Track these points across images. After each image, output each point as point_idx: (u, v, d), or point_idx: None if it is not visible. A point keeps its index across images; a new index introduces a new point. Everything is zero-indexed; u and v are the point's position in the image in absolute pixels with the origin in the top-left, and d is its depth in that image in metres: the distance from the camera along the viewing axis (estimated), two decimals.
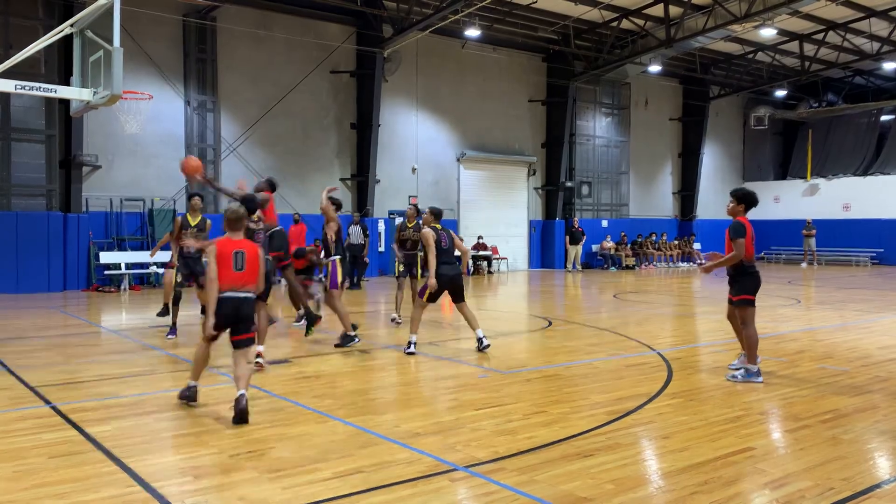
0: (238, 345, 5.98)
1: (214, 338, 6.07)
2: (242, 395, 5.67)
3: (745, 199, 7.38)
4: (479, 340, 8.93)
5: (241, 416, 5.63)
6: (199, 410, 6.04)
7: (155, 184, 18.81)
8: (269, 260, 8.16)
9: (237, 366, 5.91)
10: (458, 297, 9.10)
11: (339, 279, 9.27)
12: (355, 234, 18.40)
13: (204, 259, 8.01)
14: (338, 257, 9.32)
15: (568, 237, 26.12)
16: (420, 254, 11.96)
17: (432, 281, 8.79)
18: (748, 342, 7.30)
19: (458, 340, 10.00)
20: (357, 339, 9.29)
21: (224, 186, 9.24)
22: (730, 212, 7.45)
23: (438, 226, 9.17)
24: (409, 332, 8.99)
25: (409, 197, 23.39)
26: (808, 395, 6.68)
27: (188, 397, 6.15)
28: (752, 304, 7.33)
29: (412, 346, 8.82)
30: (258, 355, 7.79)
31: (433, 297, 8.94)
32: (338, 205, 9.56)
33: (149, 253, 16.27)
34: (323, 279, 10.28)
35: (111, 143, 18.15)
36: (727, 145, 33.00)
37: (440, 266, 8.92)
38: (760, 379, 7.17)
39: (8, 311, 13.43)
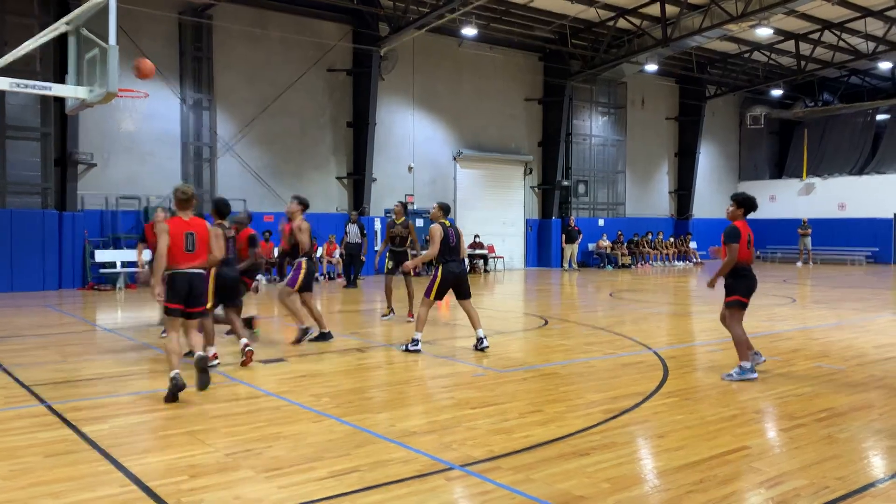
0: (191, 316, 6.59)
1: (170, 312, 6.47)
2: (200, 355, 6.42)
3: (745, 204, 7.52)
4: (479, 340, 8.90)
5: (201, 367, 6.36)
6: (194, 409, 6.03)
7: (151, 182, 18.76)
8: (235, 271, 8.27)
9: (189, 336, 6.62)
10: (463, 295, 9.10)
11: (300, 280, 9.14)
12: (353, 232, 18.47)
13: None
14: (304, 259, 9.20)
15: (564, 236, 26.09)
16: (410, 251, 11.94)
17: (408, 264, 9.17)
18: (735, 342, 7.40)
19: (455, 339, 10.00)
20: (311, 332, 9.30)
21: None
22: (729, 216, 7.56)
23: (447, 222, 9.09)
24: (414, 329, 8.94)
25: (406, 195, 23.39)
26: (803, 393, 6.69)
27: (176, 387, 6.11)
28: (742, 305, 7.45)
29: (418, 343, 8.78)
30: (214, 357, 7.79)
31: (440, 295, 8.92)
32: (304, 204, 9.36)
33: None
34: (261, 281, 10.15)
35: (107, 141, 18.11)
36: (723, 144, 33.06)
37: (448, 263, 8.90)
38: (755, 375, 7.23)
39: (3, 309, 13.39)
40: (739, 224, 7.40)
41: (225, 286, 7.96)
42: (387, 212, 22.80)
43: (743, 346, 7.34)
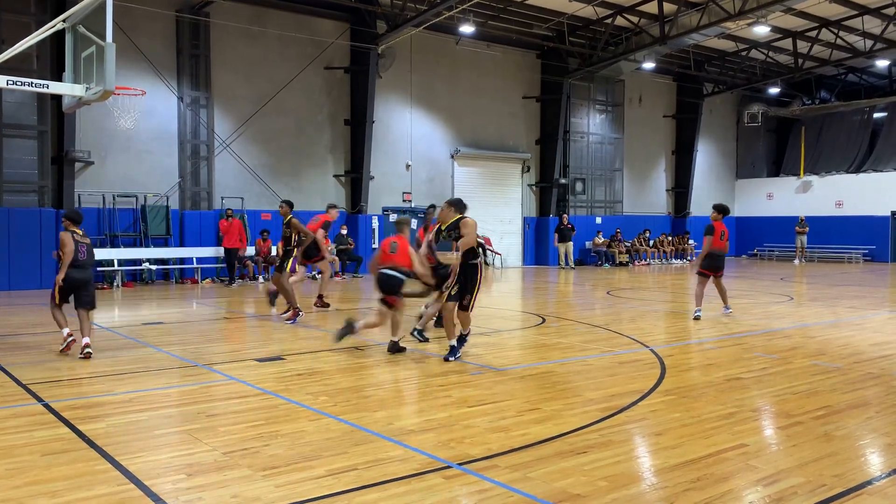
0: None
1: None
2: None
3: (722, 210, 11.95)
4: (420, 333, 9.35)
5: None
6: (192, 408, 6.03)
7: (148, 180, 18.75)
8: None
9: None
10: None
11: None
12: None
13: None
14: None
15: (557, 235, 25.92)
16: (297, 248, 11.82)
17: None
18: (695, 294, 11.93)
19: None
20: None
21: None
22: (712, 219, 11.81)
23: None
24: (462, 333, 8.40)
25: (403, 193, 23.39)
26: (800, 391, 6.71)
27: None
28: (703, 275, 11.88)
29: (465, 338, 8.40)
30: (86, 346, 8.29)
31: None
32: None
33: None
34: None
35: (104, 138, 18.07)
36: (721, 142, 33.08)
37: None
38: (699, 315, 11.54)
39: (0, 307, 13.36)
40: (716, 224, 11.69)
41: (71, 287, 8.41)
42: (384, 210, 22.84)
43: (697, 298, 11.77)
